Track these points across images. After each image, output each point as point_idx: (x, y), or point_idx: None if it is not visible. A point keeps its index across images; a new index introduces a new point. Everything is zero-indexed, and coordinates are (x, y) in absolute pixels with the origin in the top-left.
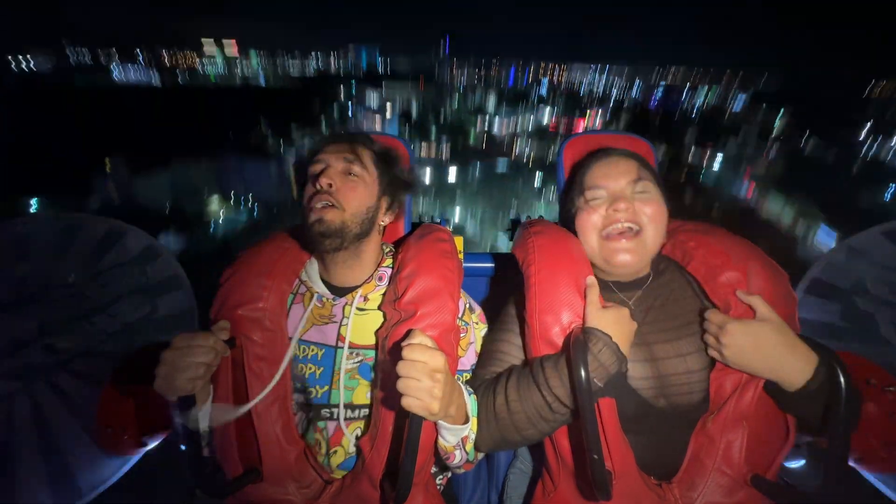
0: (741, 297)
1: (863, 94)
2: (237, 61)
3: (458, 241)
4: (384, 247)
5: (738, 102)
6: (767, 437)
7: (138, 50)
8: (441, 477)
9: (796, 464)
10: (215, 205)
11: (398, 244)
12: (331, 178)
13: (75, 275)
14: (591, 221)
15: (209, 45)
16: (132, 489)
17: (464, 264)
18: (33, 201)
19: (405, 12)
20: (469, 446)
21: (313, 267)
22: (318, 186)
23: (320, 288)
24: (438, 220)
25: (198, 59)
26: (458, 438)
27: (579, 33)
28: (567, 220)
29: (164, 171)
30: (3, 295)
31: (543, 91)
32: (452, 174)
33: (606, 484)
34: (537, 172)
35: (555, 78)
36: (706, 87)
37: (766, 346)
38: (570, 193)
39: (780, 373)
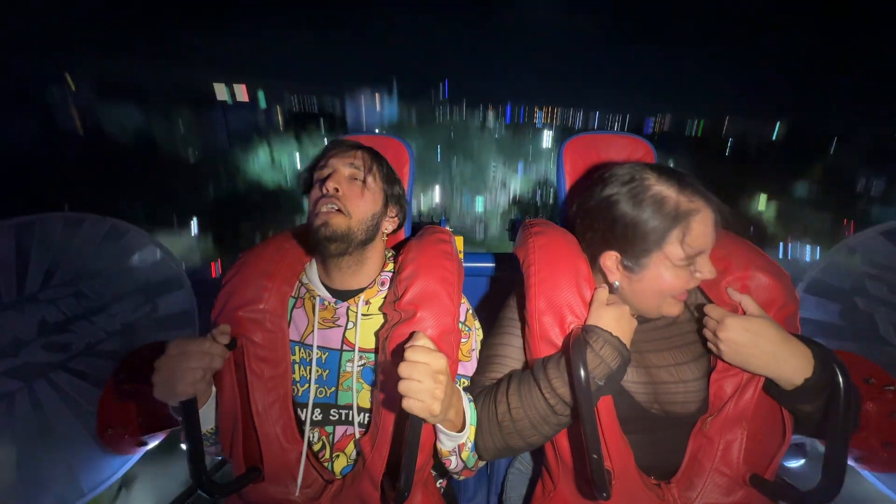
0: (731, 294)
1: None
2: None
3: (459, 241)
4: (386, 252)
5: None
6: (766, 437)
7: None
8: (441, 480)
9: (795, 463)
10: None
11: (400, 247)
12: (337, 183)
13: (76, 274)
14: (676, 285)
15: (220, 90)
16: (133, 488)
17: (464, 264)
18: None
19: (406, 61)
20: (465, 454)
21: (313, 270)
22: (324, 190)
23: (322, 291)
24: (439, 221)
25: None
26: (454, 444)
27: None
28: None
29: None
30: (3, 294)
31: (539, 123)
32: None
33: (606, 483)
34: None
35: (548, 117)
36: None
37: (764, 342)
38: (644, 234)
39: (778, 370)
